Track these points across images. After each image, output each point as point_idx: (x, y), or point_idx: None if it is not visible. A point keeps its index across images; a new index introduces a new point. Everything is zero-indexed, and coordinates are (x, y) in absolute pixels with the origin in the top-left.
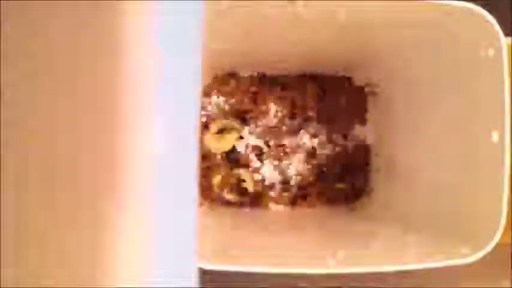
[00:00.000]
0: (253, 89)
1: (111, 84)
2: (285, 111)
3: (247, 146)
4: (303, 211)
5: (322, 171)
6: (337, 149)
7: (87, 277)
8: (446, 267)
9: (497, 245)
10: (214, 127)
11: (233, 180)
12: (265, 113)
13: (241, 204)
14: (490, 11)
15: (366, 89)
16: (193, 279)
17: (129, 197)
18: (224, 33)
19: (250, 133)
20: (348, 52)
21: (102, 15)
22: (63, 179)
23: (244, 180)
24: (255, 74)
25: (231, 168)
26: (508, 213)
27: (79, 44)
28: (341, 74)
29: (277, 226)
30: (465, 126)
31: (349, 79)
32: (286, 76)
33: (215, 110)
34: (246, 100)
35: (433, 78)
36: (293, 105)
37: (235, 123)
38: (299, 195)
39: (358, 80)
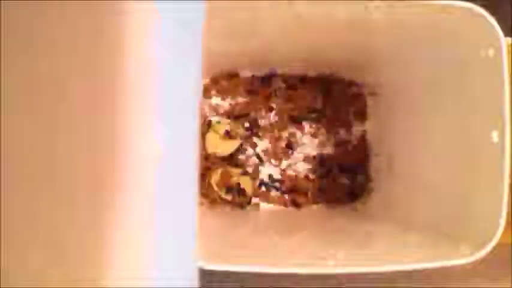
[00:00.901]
0: (253, 89)
1: (111, 84)
2: (285, 111)
3: (247, 148)
4: (303, 211)
5: (323, 171)
6: (338, 148)
7: (87, 277)
8: (446, 267)
9: (497, 245)
10: (218, 128)
11: (231, 180)
12: (266, 113)
13: (239, 205)
14: (490, 11)
15: (366, 89)
16: (194, 279)
17: (129, 197)
18: (225, 33)
19: (253, 135)
20: (348, 52)
21: (102, 15)
22: (63, 179)
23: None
24: (255, 74)
25: (230, 167)
26: (508, 213)
27: (79, 43)
28: (341, 74)
29: (277, 226)
30: (465, 126)
31: (349, 79)
32: (286, 76)
33: (218, 110)
34: (246, 100)
35: (433, 78)
36: (293, 105)
37: (241, 130)
38: (299, 195)
39: (359, 80)
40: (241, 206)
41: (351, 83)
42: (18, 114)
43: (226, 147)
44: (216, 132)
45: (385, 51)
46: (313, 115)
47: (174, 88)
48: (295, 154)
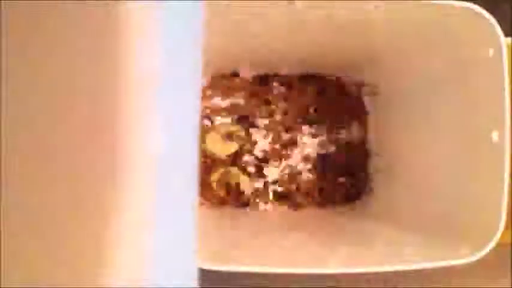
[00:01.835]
0: (253, 89)
1: (111, 84)
2: (285, 111)
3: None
4: (303, 211)
5: (323, 171)
6: (338, 148)
7: (87, 277)
8: (446, 267)
9: (497, 245)
10: (219, 129)
11: (231, 181)
12: (265, 113)
13: (239, 205)
14: (490, 11)
15: (366, 89)
16: (194, 280)
17: (130, 197)
18: (224, 33)
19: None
20: (348, 52)
21: (102, 15)
22: (63, 179)
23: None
24: (256, 74)
25: (229, 167)
26: (508, 213)
27: (80, 43)
28: (341, 74)
29: (277, 226)
30: (465, 126)
31: (349, 79)
32: (286, 76)
33: (218, 110)
34: (245, 100)
35: (433, 78)
36: (293, 105)
37: (241, 132)
38: (299, 195)
39: (359, 80)
40: (241, 206)
41: (350, 83)
42: (18, 114)
43: (226, 149)
44: (216, 132)
45: (385, 51)
46: (313, 115)
47: (173, 88)
48: (295, 154)
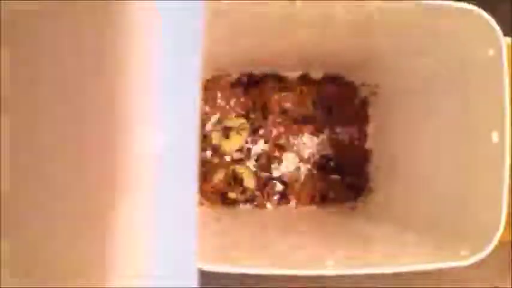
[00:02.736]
0: (253, 89)
1: (111, 84)
2: (286, 111)
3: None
4: (303, 211)
5: (322, 171)
6: (338, 148)
7: (87, 277)
8: (446, 267)
9: (497, 245)
10: (220, 127)
11: (234, 178)
12: (265, 113)
13: (242, 202)
14: (490, 11)
15: (366, 89)
16: (194, 280)
17: (130, 197)
18: (224, 33)
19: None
20: (348, 52)
21: (103, 16)
22: (63, 179)
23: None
24: (255, 74)
25: (232, 166)
26: (508, 213)
27: (79, 43)
28: (341, 74)
29: (277, 226)
30: (465, 126)
31: (349, 79)
32: (286, 76)
33: (218, 110)
34: (246, 100)
35: (433, 78)
36: (293, 105)
37: (244, 129)
38: (299, 195)
39: (358, 80)
40: (246, 202)
41: (351, 83)
42: (21, 114)
43: (233, 145)
44: (218, 131)
45: (384, 51)
46: (313, 115)
47: (174, 88)
48: (295, 154)
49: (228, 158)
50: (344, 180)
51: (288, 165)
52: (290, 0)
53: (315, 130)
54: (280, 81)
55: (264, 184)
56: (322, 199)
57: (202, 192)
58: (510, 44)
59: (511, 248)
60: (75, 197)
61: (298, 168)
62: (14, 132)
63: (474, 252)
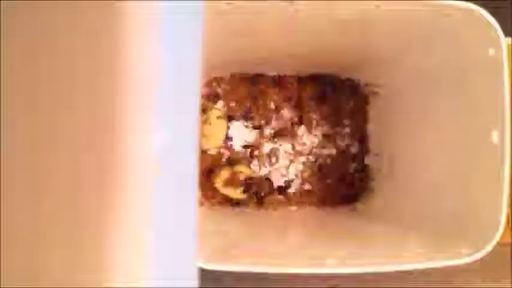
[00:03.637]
0: (253, 89)
1: (111, 84)
2: (285, 112)
3: (246, 147)
4: (304, 211)
5: (323, 171)
6: (338, 149)
7: (87, 277)
8: (446, 267)
9: (497, 245)
10: (207, 117)
11: (237, 178)
12: (266, 113)
13: (242, 202)
14: (490, 11)
15: (367, 89)
16: (194, 280)
17: (129, 197)
18: (224, 33)
19: (246, 126)
20: (348, 52)
21: (102, 15)
22: (63, 179)
23: (251, 178)
24: (255, 74)
25: (232, 166)
26: (508, 213)
27: (79, 44)
28: (341, 74)
29: (277, 226)
30: (465, 126)
31: (349, 79)
32: (286, 76)
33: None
34: (246, 100)
35: (433, 78)
36: (293, 105)
37: (213, 106)
38: (299, 196)
39: (359, 80)
40: (246, 202)
41: (350, 83)
42: (18, 115)
43: (215, 139)
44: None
45: (385, 51)
46: (313, 115)
47: (174, 88)
48: (295, 154)
49: (227, 160)
50: (344, 180)
51: (287, 165)
52: (290, 0)
53: (315, 131)
54: (279, 81)
55: (264, 184)
56: (322, 199)
57: (203, 192)
58: (510, 44)
59: (511, 248)
60: (74, 197)
61: (297, 168)
62: (13, 132)
63: (475, 251)
